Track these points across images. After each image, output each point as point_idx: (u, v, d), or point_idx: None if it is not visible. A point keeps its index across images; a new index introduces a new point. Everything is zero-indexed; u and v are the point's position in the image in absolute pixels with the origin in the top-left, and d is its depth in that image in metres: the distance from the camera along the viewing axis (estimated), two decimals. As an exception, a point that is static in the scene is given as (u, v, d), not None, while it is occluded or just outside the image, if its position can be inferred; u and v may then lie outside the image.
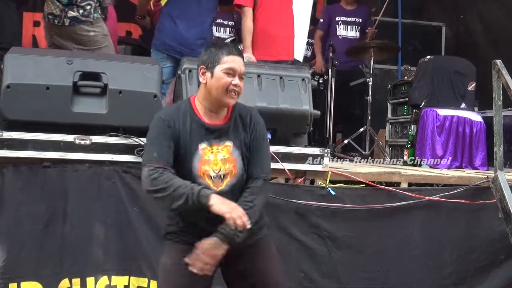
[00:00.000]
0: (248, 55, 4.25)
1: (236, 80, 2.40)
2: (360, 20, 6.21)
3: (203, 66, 2.45)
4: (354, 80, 6.06)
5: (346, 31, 6.23)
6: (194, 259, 2.29)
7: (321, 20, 6.35)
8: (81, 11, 3.87)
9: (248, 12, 4.36)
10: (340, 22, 6.23)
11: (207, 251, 2.27)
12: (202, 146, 2.40)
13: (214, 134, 2.42)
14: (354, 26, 6.24)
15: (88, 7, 3.89)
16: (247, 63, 3.70)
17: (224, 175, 2.39)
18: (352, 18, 6.23)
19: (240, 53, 2.49)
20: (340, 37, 6.19)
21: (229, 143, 2.42)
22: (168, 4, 4.30)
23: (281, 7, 4.48)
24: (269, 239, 2.57)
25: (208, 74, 2.42)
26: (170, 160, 2.36)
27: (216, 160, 2.39)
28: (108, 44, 4.00)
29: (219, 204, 2.25)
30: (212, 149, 2.40)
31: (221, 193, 2.34)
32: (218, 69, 2.39)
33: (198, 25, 4.26)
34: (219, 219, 2.27)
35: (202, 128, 2.41)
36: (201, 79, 2.46)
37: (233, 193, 2.40)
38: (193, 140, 2.39)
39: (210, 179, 2.38)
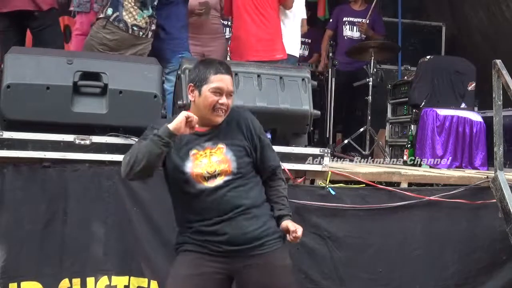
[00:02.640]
0: None
1: (223, 99, 2.45)
2: (368, 21, 6.16)
3: (191, 84, 2.50)
4: (359, 81, 6.06)
5: (352, 32, 6.22)
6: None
7: (331, 20, 6.37)
8: (154, 23, 3.96)
9: None
10: (346, 22, 6.22)
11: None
12: (193, 151, 2.46)
13: (205, 138, 2.48)
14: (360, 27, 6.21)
15: None
16: (247, 63, 3.72)
17: (218, 174, 2.44)
18: (359, 19, 6.18)
19: (228, 71, 2.51)
20: (345, 37, 6.20)
21: (221, 145, 2.47)
22: None
23: (258, 11, 4.54)
24: (283, 252, 2.54)
25: (196, 92, 2.48)
26: None
27: (211, 162, 2.44)
28: None
29: (173, 124, 2.31)
30: (205, 153, 2.46)
31: (217, 188, 2.41)
32: (206, 88, 2.45)
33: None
34: (224, 224, 2.40)
35: (192, 135, 2.45)
36: (190, 97, 2.51)
37: (230, 188, 2.44)
38: (183, 146, 2.46)
39: (204, 179, 2.43)
